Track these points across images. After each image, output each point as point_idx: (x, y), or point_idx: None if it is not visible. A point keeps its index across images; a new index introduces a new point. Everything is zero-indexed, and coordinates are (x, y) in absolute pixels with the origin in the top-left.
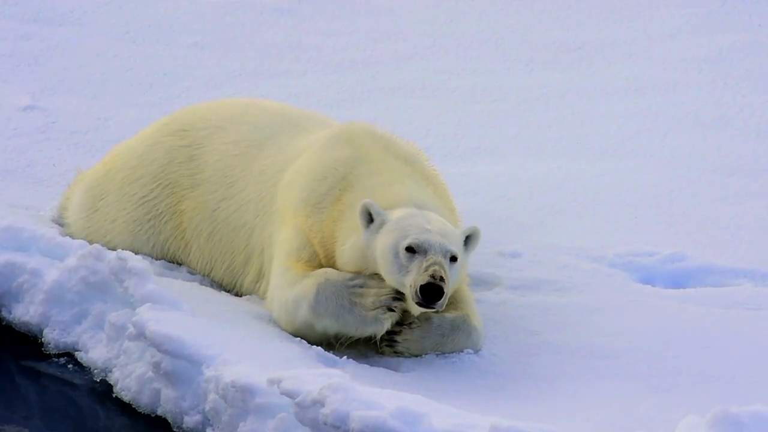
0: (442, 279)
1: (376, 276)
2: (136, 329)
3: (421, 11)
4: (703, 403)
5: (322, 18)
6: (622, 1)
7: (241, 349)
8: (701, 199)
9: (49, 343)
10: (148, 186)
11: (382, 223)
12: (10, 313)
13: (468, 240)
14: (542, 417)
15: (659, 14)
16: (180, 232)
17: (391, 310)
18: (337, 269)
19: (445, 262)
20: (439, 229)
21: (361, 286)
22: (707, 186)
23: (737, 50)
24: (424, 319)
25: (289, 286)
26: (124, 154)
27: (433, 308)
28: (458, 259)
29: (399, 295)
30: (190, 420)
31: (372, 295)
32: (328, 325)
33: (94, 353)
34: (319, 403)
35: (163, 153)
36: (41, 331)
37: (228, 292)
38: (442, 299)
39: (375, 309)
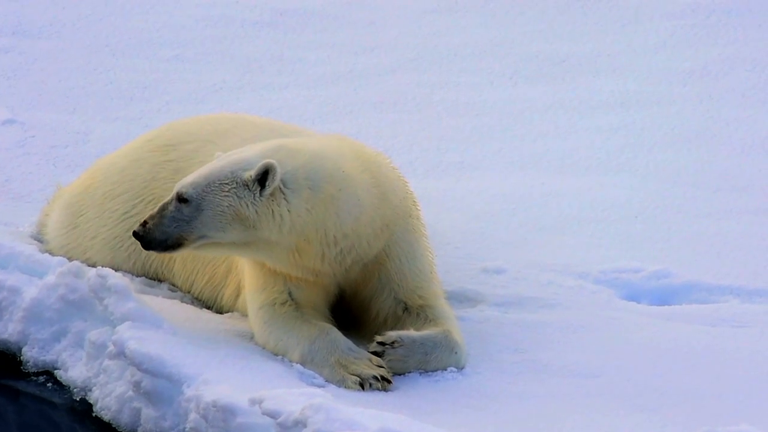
0: (145, 223)
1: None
2: (116, 348)
3: (404, 25)
4: (688, 422)
5: (304, 31)
6: (607, 14)
7: (222, 367)
8: (686, 215)
9: (28, 362)
10: (130, 202)
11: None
12: None
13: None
14: None
15: (644, 28)
16: None
17: (370, 383)
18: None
19: (173, 204)
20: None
21: (357, 358)
22: (692, 201)
23: (722, 64)
24: (407, 337)
25: (283, 328)
26: (104, 169)
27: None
28: (191, 202)
29: (388, 376)
30: None
31: (360, 365)
32: (315, 371)
33: (74, 372)
34: (301, 423)
35: (147, 169)
36: (20, 350)
37: (209, 308)
38: (146, 244)
39: (354, 375)
